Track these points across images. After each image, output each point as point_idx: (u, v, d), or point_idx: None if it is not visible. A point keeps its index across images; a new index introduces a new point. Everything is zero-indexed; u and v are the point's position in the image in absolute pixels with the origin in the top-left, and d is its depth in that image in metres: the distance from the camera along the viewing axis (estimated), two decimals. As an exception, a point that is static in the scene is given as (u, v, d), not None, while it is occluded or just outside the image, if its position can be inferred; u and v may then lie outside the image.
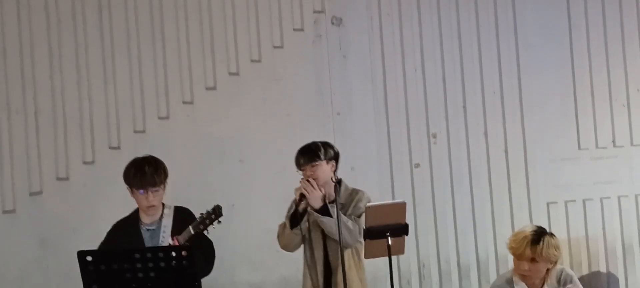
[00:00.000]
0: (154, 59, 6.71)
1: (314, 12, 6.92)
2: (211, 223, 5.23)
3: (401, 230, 5.16)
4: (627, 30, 7.19)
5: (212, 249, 5.48)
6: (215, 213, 5.23)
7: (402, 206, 5.21)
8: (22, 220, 6.48)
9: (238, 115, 6.77)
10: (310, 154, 5.61)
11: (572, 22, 7.15)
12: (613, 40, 7.17)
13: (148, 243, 5.42)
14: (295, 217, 5.54)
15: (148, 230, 5.49)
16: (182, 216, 5.44)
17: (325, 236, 5.62)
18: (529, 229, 5.67)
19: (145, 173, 5.39)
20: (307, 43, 6.90)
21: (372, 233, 5.13)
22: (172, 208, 5.53)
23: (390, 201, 5.81)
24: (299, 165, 5.64)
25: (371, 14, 6.97)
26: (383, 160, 6.95)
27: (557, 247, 5.61)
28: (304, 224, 5.58)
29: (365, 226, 5.19)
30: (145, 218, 5.51)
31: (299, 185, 5.58)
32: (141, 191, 5.40)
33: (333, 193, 5.61)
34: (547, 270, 5.65)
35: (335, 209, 5.48)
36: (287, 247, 5.69)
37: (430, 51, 7.02)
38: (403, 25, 7.01)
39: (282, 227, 5.66)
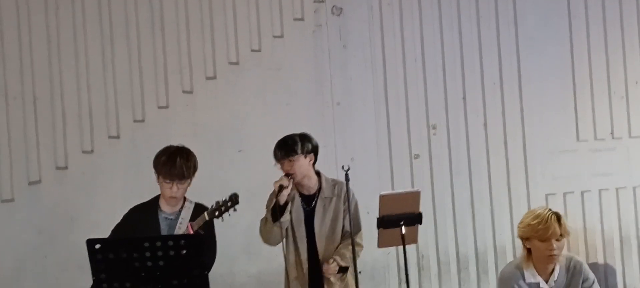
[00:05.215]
0: (153, 47, 6.66)
1: (315, 1, 6.89)
2: (227, 210, 5.21)
3: (415, 219, 5.15)
4: (627, 24, 7.20)
5: (214, 248, 5.45)
6: (232, 200, 5.21)
7: (416, 195, 5.20)
8: (21, 209, 6.43)
9: (238, 104, 6.73)
10: (287, 148, 5.56)
11: (572, 14, 7.16)
12: (612, 33, 7.19)
13: (164, 231, 5.40)
14: (275, 210, 5.47)
15: (166, 219, 5.47)
16: (201, 213, 5.39)
17: (310, 231, 5.60)
18: (543, 210, 5.58)
19: (175, 164, 5.35)
20: (307, 33, 6.86)
21: (386, 223, 5.11)
22: (193, 203, 5.50)
23: (404, 190, 5.79)
24: (277, 159, 5.59)
25: (371, 4, 6.95)
26: (382, 150, 6.92)
27: None
28: (286, 217, 5.53)
29: (379, 215, 5.16)
30: (165, 207, 5.49)
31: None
32: (168, 181, 5.35)
33: (313, 187, 5.63)
34: None
35: (322, 202, 5.54)
36: (269, 241, 5.64)
37: (431, 42, 7.01)
38: (403, 16, 6.99)
39: (264, 221, 5.62)
